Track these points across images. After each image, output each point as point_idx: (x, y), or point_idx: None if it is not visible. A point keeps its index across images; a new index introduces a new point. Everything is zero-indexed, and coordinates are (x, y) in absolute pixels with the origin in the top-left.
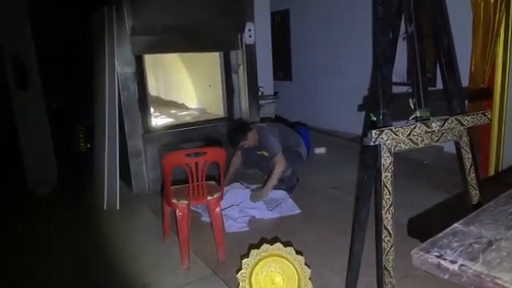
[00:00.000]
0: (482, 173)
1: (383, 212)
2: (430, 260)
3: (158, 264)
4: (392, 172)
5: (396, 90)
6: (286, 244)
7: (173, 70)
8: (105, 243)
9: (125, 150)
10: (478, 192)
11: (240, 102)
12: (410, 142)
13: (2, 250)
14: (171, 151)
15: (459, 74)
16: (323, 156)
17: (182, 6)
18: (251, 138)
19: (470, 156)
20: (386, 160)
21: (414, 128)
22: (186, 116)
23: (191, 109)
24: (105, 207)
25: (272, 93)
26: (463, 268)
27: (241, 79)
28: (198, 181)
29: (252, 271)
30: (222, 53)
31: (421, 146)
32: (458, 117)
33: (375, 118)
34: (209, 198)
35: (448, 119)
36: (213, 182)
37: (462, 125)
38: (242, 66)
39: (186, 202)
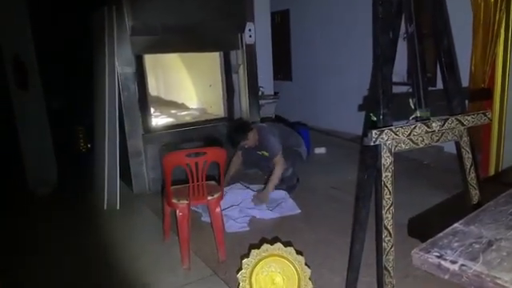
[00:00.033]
0: (482, 173)
1: (383, 212)
2: (430, 260)
3: (159, 264)
4: (392, 172)
5: (396, 89)
6: (286, 244)
7: (173, 70)
8: (105, 243)
9: (125, 150)
10: (478, 192)
11: (240, 102)
12: (411, 142)
13: (2, 250)
14: (171, 151)
15: (459, 74)
16: (323, 156)
17: (182, 5)
18: (251, 138)
19: (470, 156)
20: (387, 160)
21: (415, 128)
22: (186, 116)
23: (191, 109)
24: (105, 207)
25: (272, 93)
26: (463, 268)
27: (241, 79)
28: (198, 181)
29: (252, 271)
30: (222, 53)
31: (421, 145)
32: (459, 117)
33: (375, 118)
34: (209, 198)
35: (448, 119)
36: (213, 182)
37: (463, 125)
38: (242, 66)
39: (187, 202)
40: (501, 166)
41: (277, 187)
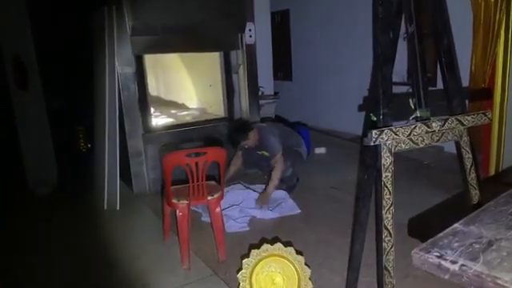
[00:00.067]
0: (482, 173)
1: (383, 212)
2: (430, 260)
3: (159, 264)
4: (392, 172)
5: (396, 89)
6: (287, 244)
7: (173, 70)
8: (105, 243)
9: (125, 150)
10: (478, 192)
11: (240, 102)
12: (411, 142)
13: (2, 250)
14: (171, 151)
15: (459, 74)
16: (323, 156)
17: (182, 5)
18: (252, 138)
19: (471, 156)
20: (387, 160)
21: (415, 128)
22: (186, 116)
23: (191, 109)
24: (105, 207)
25: (272, 93)
26: (464, 268)
27: (241, 79)
28: (198, 181)
29: (252, 271)
30: (222, 53)
31: (421, 145)
32: (459, 117)
33: (375, 118)
34: (209, 197)
35: (448, 119)
36: (213, 182)
37: (463, 125)
38: (242, 66)
39: (187, 202)
40: (501, 166)
41: (277, 187)
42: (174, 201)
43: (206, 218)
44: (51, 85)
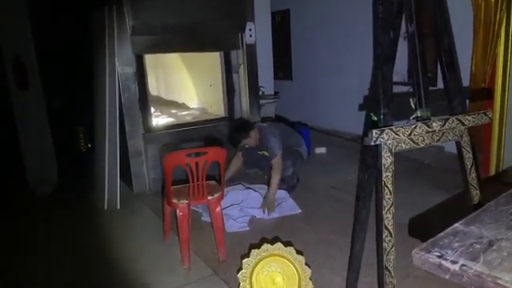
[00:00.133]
0: (482, 172)
1: (384, 212)
2: (430, 260)
3: (159, 264)
4: (393, 172)
5: (397, 89)
6: (287, 244)
7: (173, 70)
8: (105, 243)
9: (125, 149)
10: (478, 192)
11: (240, 102)
12: (411, 142)
13: (2, 250)
14: (172, 151)
15: (460, 74)
16: (324, 156)
17: (183, 5)
18: (253, 137)
19: (471, 156)
20: (387, 160)
21: (415, 128)
22: (186, 116)
23: (192, 108)
24: (105, 207)
25: (272, 92)
26: (464, 268)
27: (241, 79)
28: (198, 180)
29: (252, 271)
30: (222, 52)
31: (421, 145)
32: (459, 116)
33: (376, 118)
34: (209, 197)
35: (449, 119)
36: (213, 182)
37: (463, 124)
38: (242, 66)
39: (187, 201)
40: (501, 166)
41: (277, 187)
42: (175, 200)
43: (206, 218)
44: (51, 85)
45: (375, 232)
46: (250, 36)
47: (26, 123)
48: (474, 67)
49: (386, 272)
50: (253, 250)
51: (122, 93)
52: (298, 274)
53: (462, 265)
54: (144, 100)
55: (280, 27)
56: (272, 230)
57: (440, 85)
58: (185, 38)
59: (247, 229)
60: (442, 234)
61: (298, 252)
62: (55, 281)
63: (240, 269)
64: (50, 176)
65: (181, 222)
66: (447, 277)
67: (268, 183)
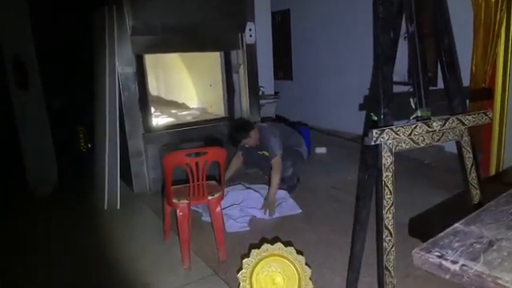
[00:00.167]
0: (482, 172)
1: (384, 212)
2: (431, 260)
3: (159, 264)
4: (393, 172)
5: (397, 89)
6: (287, 244)
7: (173, 70)
8: (105, 243)
9: (125, 149)
10: (478, 192)
11: (241, 102)
12: (411, 142)
13: (2, 250)
14: (172, 151)
15: (460, 74)
16: (324, 156)
17: (183, 5)
18: (253, 137)
19: (471, 155)
20: (387, 160)
21: (415, 127)
22: (186, 116)
23: (192, 108)
24: (105, 207)
25: (273, 92)
26: (464, 268)
27: (241, 79)
28: (198, 180)
29: (253, 271)
30: (222, 52)
31: (422, 145)
32: (459, 116)
33: (376, 118)
34: (209, 197)
35: (449, 119)
36: (213, 182)
37: (463, 124)
38: (242, 66)
39: (187, 201)
40: (502, 166)
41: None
42: (175, 200)
43: (206, 218)
44: (51, 85)
45: (375, 232)
46: (250, 36)
47: (26, 123)
48: (474, 67)
49: (386, 272)
50: (253, 250)
51: (122, 93)
52: (298, 274)
53: (463, 265)
54: (144, 100)
55: (280, 27)
56: (272, 229)
57: (440, 85)
58: (185, 38)
59: (247, 229)
60: (442, 233)
61: (298, 252)
62: (55, 281)
63: (240, 269)
64: (50, 176)
65: (181, 221)
66: (447, 277)
67: (268, 183)
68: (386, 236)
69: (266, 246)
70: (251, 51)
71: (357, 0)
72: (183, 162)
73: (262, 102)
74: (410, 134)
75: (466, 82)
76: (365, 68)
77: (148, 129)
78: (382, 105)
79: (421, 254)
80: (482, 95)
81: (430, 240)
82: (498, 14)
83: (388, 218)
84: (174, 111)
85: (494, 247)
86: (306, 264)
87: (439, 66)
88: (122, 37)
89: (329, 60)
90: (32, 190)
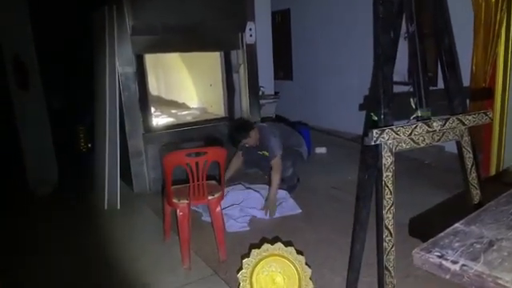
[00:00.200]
0: (483, 172)
1: (384, 212)
2: (431, 260)
3: (159, 264)
4: (393, 172)
5: (397, 89)
6: (287, 244)
7: (173, 70)
8: (105, 243)
9: (125, 149)
10: (479, 192)
11: (241, 102)
12: (411, 142)
13: (2, 250)
14: (172, 151)
15: (460, 74)
16: (324, 156)
17: (183, 5)
18: (253, 137)
19: (472, 155)
20: (387, 160)
21: (415, 127)
22: (186, 116)
23: (192, 108)
24: (105, 207)
25: (273, 92)
26: (464, 268)
27: (241, 79)
28: (198, 180)
29: (253, 271)
30: (222, 52)
31: (422, 145)
32: (460, 116)
33: (376, 118)
34: (209, 197)
35: (449, 119)
36: (213, 182)
37: (464, 124)
38: (242, 66)
39: (187, 201)
40: (502, 166)
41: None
42: (175, 200)
43: (206, 218)
44: (51, 85)
45: (375, 232)
46: (250, 36)
47: (27, 123)
48: (474, 67)
49: (386, 272)
50: (253, 250)
51: (122, 93)
52: (299, 273)
53: (463, 265)
54: (144, 100)
55: (280, 27)
56: (272, 229)
57: (440, 84)
58: (185, 38)
59: (247, 229)
60: (442, 233)
61: (299, 252)
62: (55, 281)
63: (240, 269)
64: (50, 176)
65: (181, 221)
66: (447, 277)
67: (268, 183)
68: (386, 236)
69: (266, 245)
70: (251, 51)
71: (357, 0)
72: (183, 161)
73: (262, 101)
74: (410, 134)
75: (466, 81)
76: (365, 68)
77: (148, 129)
78: (382, 105)
79: (421, 254)
80: (483, 95)
81: (430, 240)
82: (498, 14)
83: (388, 217)
84: (174, 111)
85: (495, 247)
86: (306, 264)
87: (439, 65)
88: (122, 37)
89: (329, 60)
90: (32, 189)
